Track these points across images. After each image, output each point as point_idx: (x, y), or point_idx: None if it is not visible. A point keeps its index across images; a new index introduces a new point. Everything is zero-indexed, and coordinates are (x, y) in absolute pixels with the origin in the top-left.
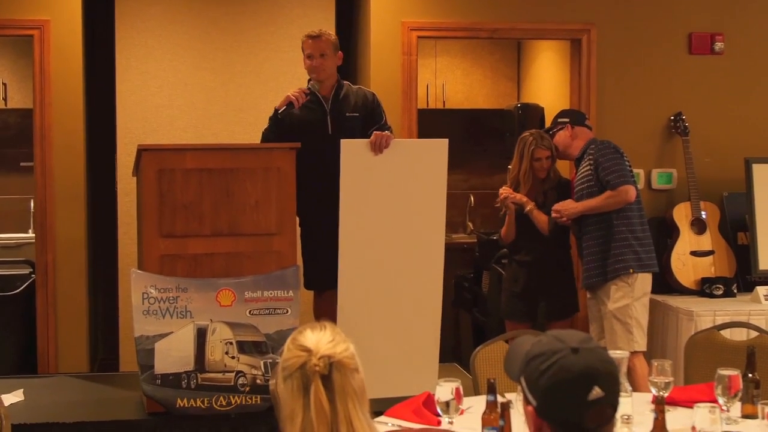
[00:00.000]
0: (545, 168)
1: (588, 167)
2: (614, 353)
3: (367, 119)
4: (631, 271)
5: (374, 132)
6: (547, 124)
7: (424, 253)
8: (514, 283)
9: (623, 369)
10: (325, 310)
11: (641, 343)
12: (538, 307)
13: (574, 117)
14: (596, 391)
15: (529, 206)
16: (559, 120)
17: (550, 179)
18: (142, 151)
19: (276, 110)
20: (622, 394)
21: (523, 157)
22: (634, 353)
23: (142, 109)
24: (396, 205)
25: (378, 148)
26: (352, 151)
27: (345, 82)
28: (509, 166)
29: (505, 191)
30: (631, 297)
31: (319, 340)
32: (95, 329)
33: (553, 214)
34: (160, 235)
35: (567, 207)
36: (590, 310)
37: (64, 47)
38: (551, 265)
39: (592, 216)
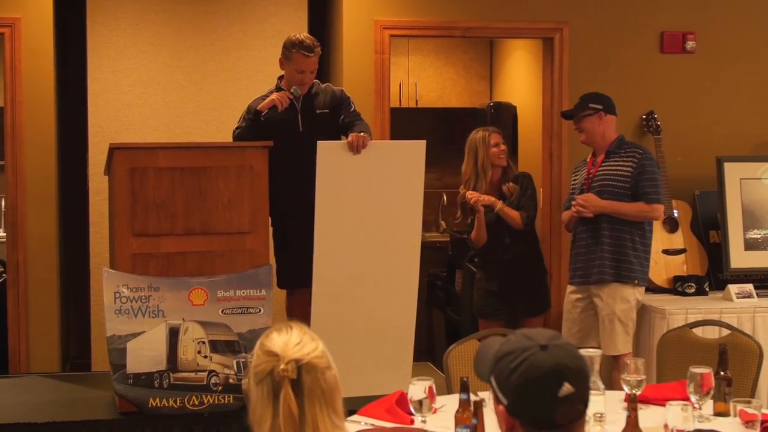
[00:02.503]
0: (503, 153)
1: (629, 168)
2: (587, 351)
3: (337, 114)
4: (636, 282)
5: (351, 134)
6: (520, 122)
7: (400, 253)
8: (489, 282)
9: (596, 367)
10: (298, 309)
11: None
12: (514, 304)
13: (606, 104)
14: (566, 387)
15: (499, 205)
16: (591, 105)
17: (509, 174)
18: (114, 150)
19: (258, 111)
20: (595, 392)
21: (478, 150)
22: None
23: (114, 108)
24: (372, 206)
25: (355, 149)
26: (328, 152)
27: (315, 80)
28: (463, 168)
29: (473, 195)
30: (631, 303)
31: (286, 343)
32: (67, 328)
33: (577, 207)
34: (132, 233)
35: (593, 202)
36: (572, 311)
37: (36, 45)
38: (525, 262)
39: (613, 217)
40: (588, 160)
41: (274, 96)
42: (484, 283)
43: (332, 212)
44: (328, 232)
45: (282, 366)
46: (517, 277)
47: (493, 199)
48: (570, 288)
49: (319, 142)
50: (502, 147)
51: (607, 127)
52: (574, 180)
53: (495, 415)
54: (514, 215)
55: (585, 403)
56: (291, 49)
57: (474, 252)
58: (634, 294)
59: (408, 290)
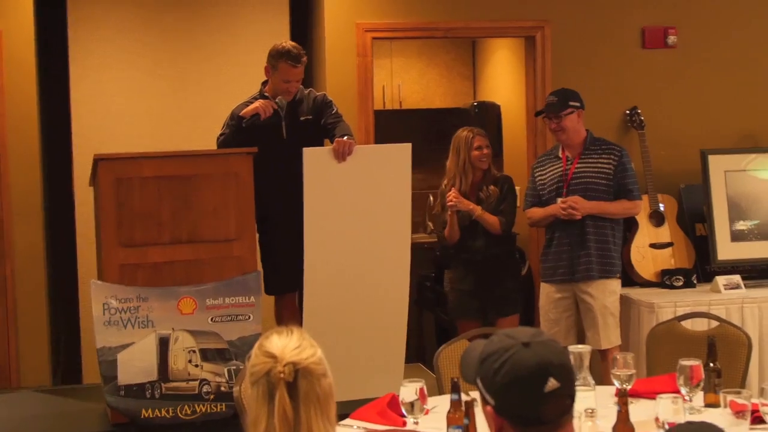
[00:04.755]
0: (485, 158)
1: (610, 166)
2: (576, 347)
3: (320, 117)
4: (618, 275)
5: (336, 140)
6: (504, 121)
7: (390, 256)
8: (462, 282)
9: (586, 363)
10: (287, 314)
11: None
12: (485, 304)
13: (581, 102)
14: (552, 383)
15: (478, 211)
16: (571, 103)
17: (490, 176)
18: (99, 161)
19: (240, 118)
20: (585, 387)
21: (460, 150)
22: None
23: (98, 118)
24: (361, 210)
25: (341, 155)
26: (314, 158)
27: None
28: (447, 164)
29: (453, 198)
30: (617, 294)
31: (285, 346)
32: (57, 342)
33: (567, 210)
34: (119, 244)
35: (582, 204)
36: (552, 310)
37: (17, 57)
38: (497, 264)
39: (596, 215)
40: (560, 156)
41: (258, 104)
42: (457, 283)
43: (321, 218)
44: (317, 238)
45: (279, 368)
46: (488, 278)
47: (472, 206)
48: (549, 288)
49: (305, 149)
50: (485, 151)
51: (582, 123)
52: (542, 175)
53: (484, 415)
54: (492, 221)
55: (572, 398)
56: (278, 58)
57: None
58: (618, 286)
59: (399, 293)
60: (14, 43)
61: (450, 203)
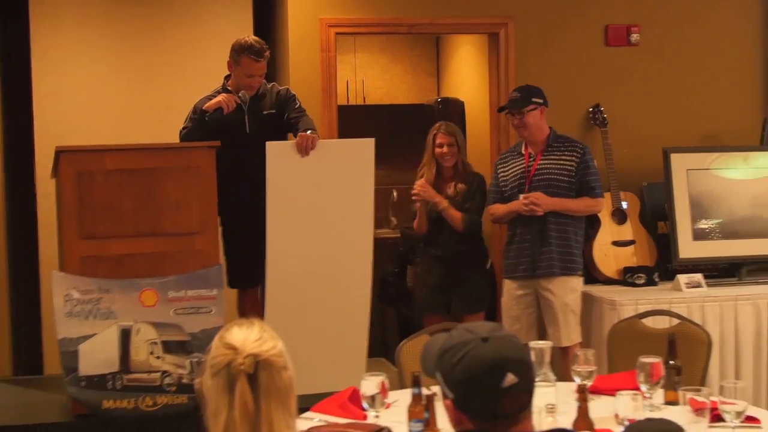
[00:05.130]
0: (446, 155)
1: (572, 163)
2: (537, 343)
3: (283, 111)
4: (580, 273)
5: (299, 134)
6: (468, 117)
7: (352, 251)
8: (428, 276)
9: (547, 359)
10: (249, 308)
11: None
12: (450, 300)
13: (545, 99)
14: (509, 378)
15: (443, 205)
16: (534, 100)
17: (461, 173)
18: (60, 153)
19: (203, 111)
20: (546, 383)
21: (428, 144)
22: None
23: (61, 111)
24: (324, 205)
25: (304, 150)
26: (277, 152)
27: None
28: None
29: (419, 188)
30: (578, 292)
31: (246, 338)
32: (18, 333)
33: (529, 206)
34: (80, 236)
35: (543, 200)
36: (514, 307)
37: None
38: (464, 258)
39: (558, 213)
40: (523, 153)
41: (221, 98)
42: (423, 277)
43: (284, 212)
44: (280, 232)
45: (239, 360)
46: (454, 274)
47: (438, 198)
48: (511, 284)
49: (268, 143)
50: (445, 149)
51: (545, 120)
52: (504, 172)
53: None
54: (456, 217)
55: (530, 393)
56: (240, 53)
57: (411, 245)
58: (580, 284)
59: (361, 288)
60: None
61: (414, 193)
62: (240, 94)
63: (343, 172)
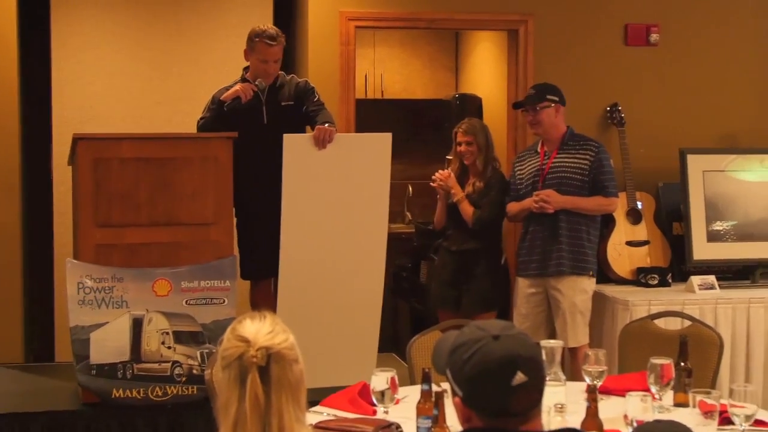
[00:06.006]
0: (465, 154)
1: (586, 162)
2: (548, 342)
3: (301, 104)
4: (591, 273)
5: (317, 127)
6: (486, 114)
7: (366, 245)
8: (443, 270)
9: (557, 358)
10: (262, 300)
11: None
12: (462, 296)
13: (561, 96)
14: (519, 376)
15: (458, 197)
16: (549, 97)
17: (480, 172)
18: (78, 140)
19: (221, 102)
20: (556, 383)
21: (453, 140)
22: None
23: (79, 98)
24: (339, 198)
25: (321, 142)
26: (294, 145)
27: (280, 72)
28: None
29: (440, 175)
30: (588, 293)
31: (258, 330)
32: (30, 319)
33: (539, 203)
34: (95, 224)
35: (554, 198)
36: (524, 305)
37: None
38: (476, 256)
39: (570, 211)
40: (539, 151)
41: (238, 87)
42: (438, 271)
43: (299, 204)
44: (294, 224)
45: (251, 352)
46: (464, 271)
47: (455, 189)
48: (523, 282)
49: (285, 135)
50: (464, 148)
51: (561, 119)
52: (521, 170)
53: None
54: (467, 212)
55: (540, 392)
56: (254, 39)
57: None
58: (591, 285)
59: (374, 282)
60: None
61: (433, 178)
62: (257, 82)
63: (360, 166)
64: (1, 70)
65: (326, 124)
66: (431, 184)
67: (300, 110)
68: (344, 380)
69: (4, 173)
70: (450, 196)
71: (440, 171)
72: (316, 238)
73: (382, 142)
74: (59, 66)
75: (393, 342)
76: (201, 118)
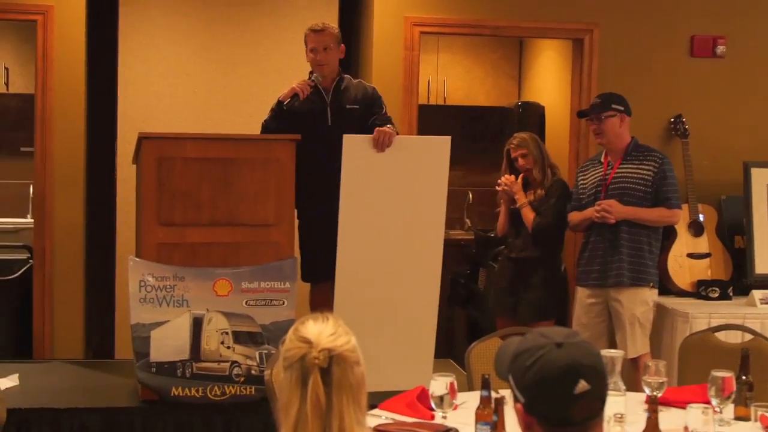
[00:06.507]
0: (523, 166)
1: (650, 173)
2: (609, 352)
3: (367, 111)
4: (652, 285)
5: (376, 129)
6: (548, 123)
7: (422, 249)
8: (501, 277)
9: (617, 368)
10: (321, 302)
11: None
12: (519, 304)
13: (626, 106)
14: (582, 385)
15: (521, 201)
16: (614, 107)
17: (540, 181)
18: (143, 139)
19: (280, 101)
20: (616, 393)
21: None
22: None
23: (144, 97)
24: (396, 201)
25: (380, 145)
26: (354, 146)
27: (346, 75)
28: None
29: (505, 179)
30: (649, 305)
31: (321, 332)
32: (91, 316)
33: (601, 213)
34: (158, 223)
35: (616, 208)
36: (584, 315)
37: (67, 33)
38: (534, 264)
39: (632, 222)
40: (602, 161)
41: (294, 84)
42: (497, 277)
43: (356, 206)
44: (351, 226)
45: (314, 353)
46: (521, 279)
47: (519, 194)
48: (583, 291)
49: (345, 136)
50: (521, 161)
51: (626, 129)
52: (584, 180)
53: (514, 413)
54: (528, 217)
55: (602, 401)
56: (306, 34)
57: (498, 250)
58: (652, 296)
59: (430, 286)
60: (65, 19)
61: (498, 182)
62: (313, 77)
63: (418, 169)
64: (69, 69)
65: (387, 126)
66: (496, 188)
67: (365, 114)
68: (401, 384)
69: (69, 171)
70: (513, 201)
71: (506, 176)
72: (372, 239)
73: (441, 146)
74: (125, 65)
75: (449, 349)
76: (265, 120)
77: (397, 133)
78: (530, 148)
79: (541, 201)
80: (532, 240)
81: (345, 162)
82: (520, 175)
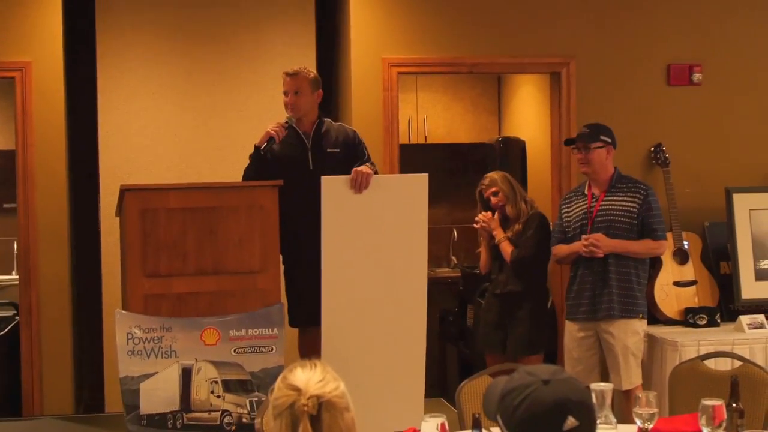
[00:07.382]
0: (496, 205)
1: (635, 204)
2: (598, 385)
3: (349, 156)
4: (641, 315)
5: (354, 169)
6: (529, 156)
7: (407, 287)
8: (488, 313)
9: (608, 401)
10: (310, 347)
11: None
12: (507, 339)
13: (613, 138)
14: (570, 421)
15: (499, 237)
16: (602, 138)
17: (516, 217)
18: (125, 191)
19: (257, 147)
20: (607, 426)
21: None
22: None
23: (125, 149)
24: (378, 240)
25: (358, 186)
26: (332, 187)
27: (326, 119)
28: None
29: (482, 216)
30: (640, 335)
31: (309, 379)
32: (80, 370)
33: (589, 247)
34: (143, 274)
35: (604, 242)
36: (575, 348)
37: (46, 89)
38: (519, 299)
39: (619, 254)
40: (586, 193)
41: (268, 128)
42: (484, 314)
43: (338, 247)
44: (334, 268)
45: (303, 401)
46: (508, 314)
47: (497, 230)
48: (572, 326)
49: (323, 177)
50: (493, 200)
51: (611, 161)
52: (568, 212)
53: None
54: (506, 251)
55: None
56: (282, 77)
57: (485, 287)
58: (642, 326)
59: (417, 324)
60: (43, 75)
61: (476, 219)
62: (285, 120)
63: (398, 207)
64: (49, 122)
65: (366, 165)
66: (474, 225)
67: (346, 158)
68: (392, 427)
69: (53, 225)
70: (493, 238)
71: (482, 213)
72: (356, 280)
73: (419, 182)
74: (105, 117)
75: (441, 386)
76: (246, 168)
77: (376, 173)
78: (500, 185)
79: (518, 235)
80: (514, 273)
81: (324, 204)
82: (497, 212)
